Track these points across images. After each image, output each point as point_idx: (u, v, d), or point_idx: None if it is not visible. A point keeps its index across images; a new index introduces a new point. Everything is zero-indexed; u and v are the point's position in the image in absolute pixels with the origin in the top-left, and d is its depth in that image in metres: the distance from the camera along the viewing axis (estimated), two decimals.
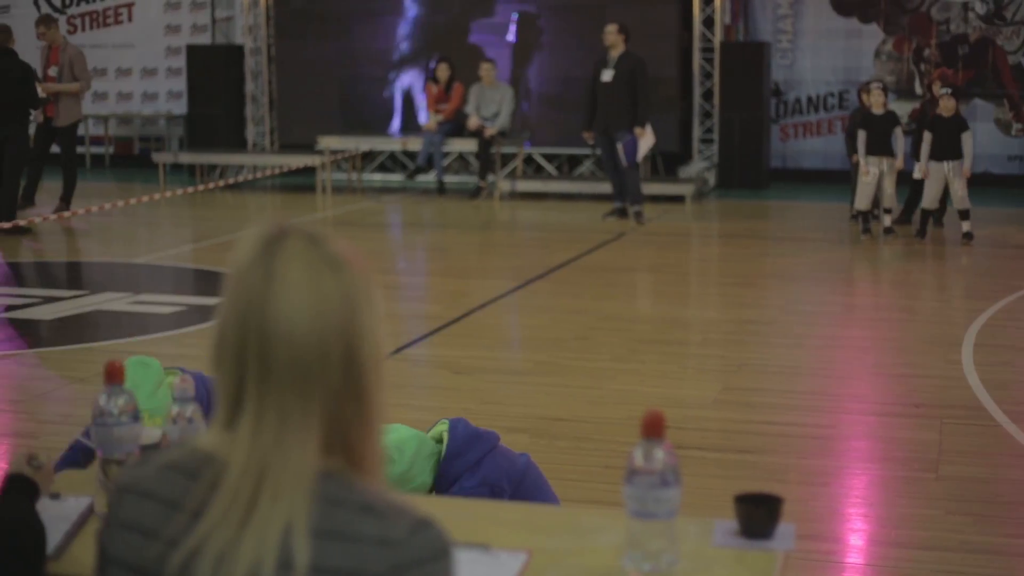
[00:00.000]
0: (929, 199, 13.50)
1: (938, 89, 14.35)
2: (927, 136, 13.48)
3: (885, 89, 13.85)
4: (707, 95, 18.56)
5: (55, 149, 15.81)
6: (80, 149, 21.42)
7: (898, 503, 5.90)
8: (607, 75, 14.93)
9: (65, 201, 15.62)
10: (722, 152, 18.36)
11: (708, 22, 18.36)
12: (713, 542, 2.77)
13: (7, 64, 14.39)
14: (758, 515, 2.81)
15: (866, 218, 13.66)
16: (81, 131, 21.22)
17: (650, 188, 16.52)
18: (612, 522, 2.84)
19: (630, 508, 2.44)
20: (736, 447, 6.68)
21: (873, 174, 13.48)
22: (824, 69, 18.90)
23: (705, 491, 5.57)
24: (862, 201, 13.63)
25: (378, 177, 19.92)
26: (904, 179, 14.08)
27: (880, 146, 13.54)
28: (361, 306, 1.92)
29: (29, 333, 9.72)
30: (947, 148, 13.38)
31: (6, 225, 13.46)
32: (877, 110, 13.63)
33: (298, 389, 1.87)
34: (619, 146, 14.86)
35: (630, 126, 14.74)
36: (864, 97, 14.09)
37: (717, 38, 18.31)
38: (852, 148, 14.01)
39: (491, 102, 17.69)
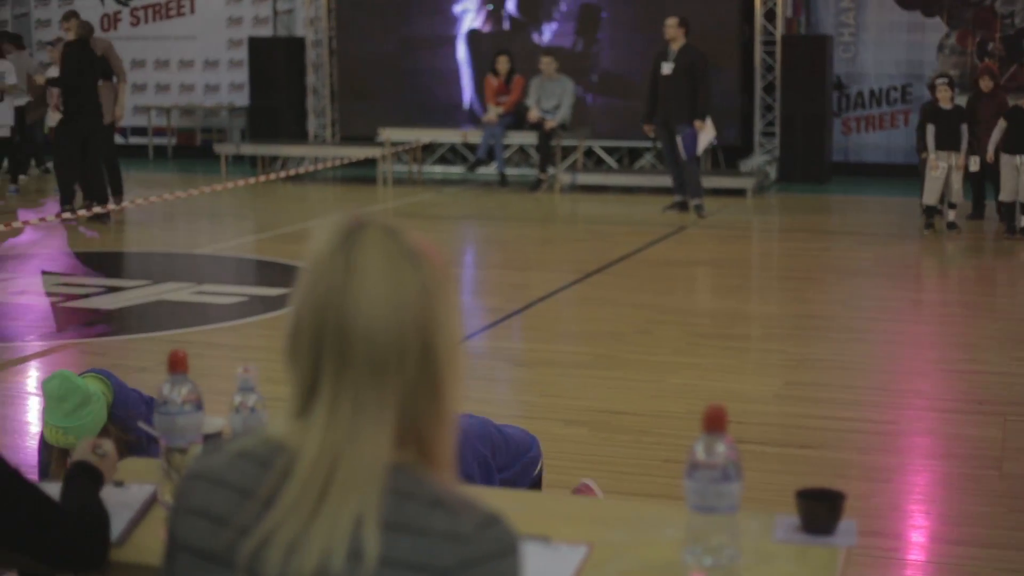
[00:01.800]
0: (1007, 191, 13.37)
1: (986, 83, 14.29)
2: (1001, 124, 13.37)
3: (952, 83, 13.72)
4: (768, 88, 18.45)
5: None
6: (143, 140, 21.66)
7: (960, 500, 5.85)
8: (667, 68, 14.88)
9: (118, 195, 15.69)
10: (783, 146, 18.25)
11: (770, 15, 18.26)
12: (774, 537, 2.76)
13: (89, 57, 14.57)
14: (820, 511, 2.79)
15: (930, 213, 13.55)
16: (144, 122, 21.48)
17: (711, 181, 16.48)
18: (673, 516, 2.83)
19: (691, 502, 2.44)
20: (797, 442, 6.64)
21: (942, 169, 13.36)
22: (887, 63, 18.75)
23: (766, 486, 5.54)
24: (930, 196, 13.51)
25: (439, 169, 19.95)
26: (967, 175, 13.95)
27: (949, 141, 13.41)
28: (439, 299, 1.92)
29: (93, 322, 9.81)
30: (1022, 141, 13.25)
31: (88, 213, 13.68)
32: (945, 105, 13.50)
33: (374, 381, 1.87)
34: (679, 139, 14.82)
35: (690, 119, 14.70)
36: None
37: (779, 31, 18.20)
38: (923, 143, 13.85)
39: (551, 95, 17.68)
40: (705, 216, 14.79)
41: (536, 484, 4.68)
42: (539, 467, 4.68)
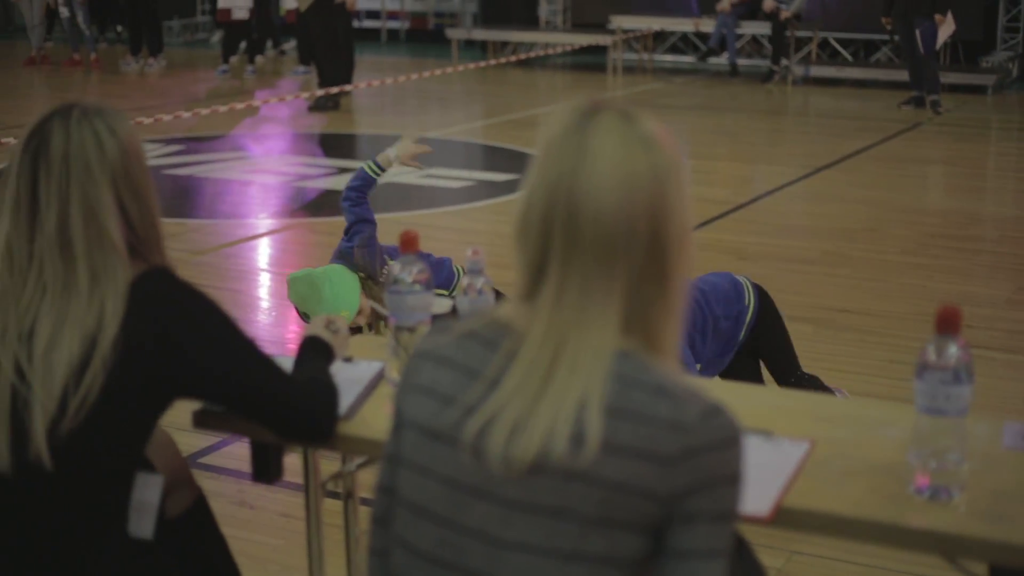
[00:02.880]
0: None
1: None
2: None
3: None
4: None
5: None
6: (376, 23, 21.87)
7: None
8: None
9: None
10: None
11: None
12: (1003, 444, 2.70)
13: None
14: None
15: None
16: (377, 5, 21.68)
17: (949, 77, 15.99)
18: (898, 416, 2.79)
19: (919, 403, 2.39)
20: None
21: None
22: None
23: (993, 392, 5.42)
24: None
25: (669, 58, 19.75)
26: None
27: None
28: (670, 186, 1.91)
29: (324, 202, 10.00)
30: None
31: (331, 91, 13.88)
32: None
33: (602, 265, 1.87)
34: (918, 32, 14.37)
35: (930, 12, 14.22)
36: None
37: None
38: None
39: None
40: (941, 112, 14.37)
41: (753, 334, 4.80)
42: (750, 316, 4.77)
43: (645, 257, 1.88)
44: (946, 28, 14.34)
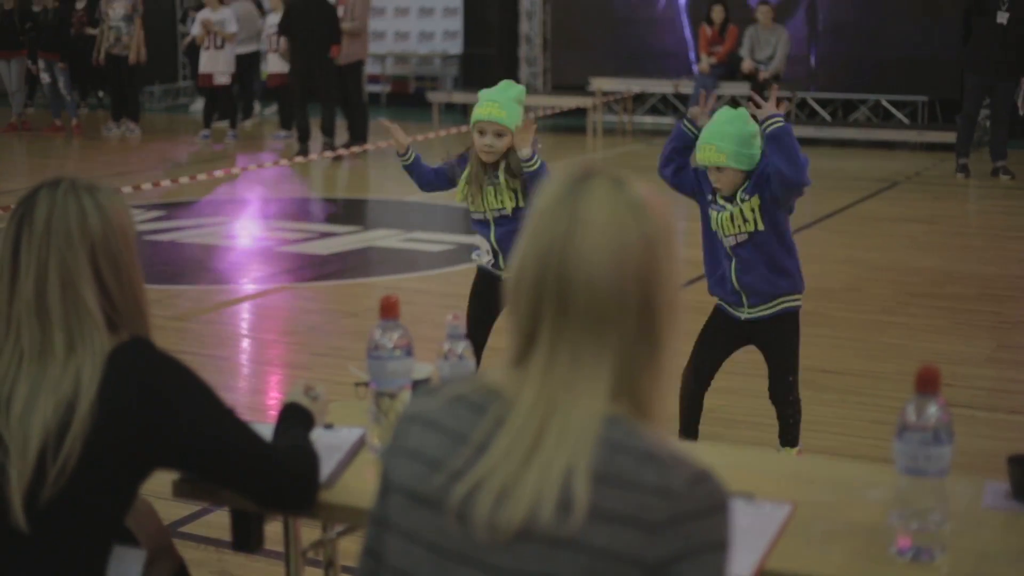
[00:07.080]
0: None
1: None
2: None
3: None
4: None
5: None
6: None
7: None
8: (1003, 17, 14.05)
9: (357, 139, 16.00)
10: None
11: None
12: (983, 503, 2.71)
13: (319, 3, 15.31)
14: None
15: None
16: None
17: (925, 136, 16.10)
18: (879, 477, 2.80)
19: (900, 464, 2.40)
20: (1008, 407, 6.49)
21: None
22: None
23: (975, 451, 5.42)
24: None
25: (649, 120, 19.84)
26: None
27: None
28: (661, 252, 1.91)
29: (305, 267, 10.01)
30: None
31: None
32: None
33: (593, 332, 1.87)
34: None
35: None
36: None
37: None
38: None
39: (766, 45, 17.42)
40: (1009, 176, 14.32)
41: None
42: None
43: (636, 323, 1.89)
44: None
